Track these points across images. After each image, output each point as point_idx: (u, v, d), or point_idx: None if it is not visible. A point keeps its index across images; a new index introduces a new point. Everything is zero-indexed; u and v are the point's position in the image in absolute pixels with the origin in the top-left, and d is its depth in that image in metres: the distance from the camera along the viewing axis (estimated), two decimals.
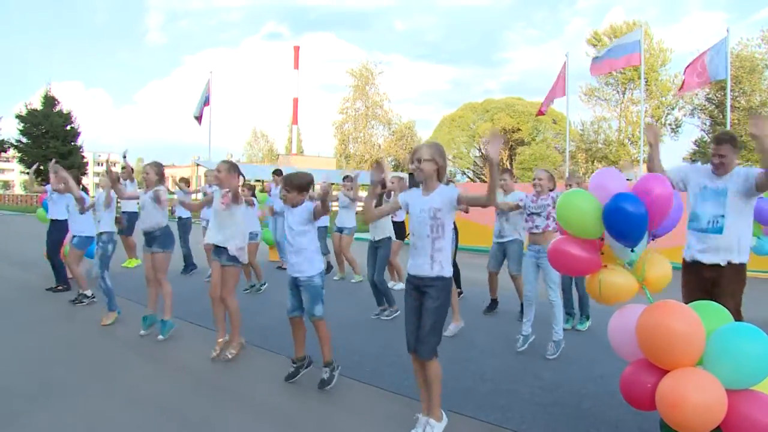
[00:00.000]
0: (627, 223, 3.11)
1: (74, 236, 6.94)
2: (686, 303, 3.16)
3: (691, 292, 3.94)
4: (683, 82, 17.18)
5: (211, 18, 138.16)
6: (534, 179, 5.42)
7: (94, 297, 7.03)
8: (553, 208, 5.16)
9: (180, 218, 9.85)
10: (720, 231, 3.81)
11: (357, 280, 9.04)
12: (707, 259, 3.86)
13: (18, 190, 78.62)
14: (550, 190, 5.39)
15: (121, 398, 4.00)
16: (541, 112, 21.25)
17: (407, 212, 3.47)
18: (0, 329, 5.92)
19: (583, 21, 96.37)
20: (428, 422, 3.40)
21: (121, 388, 4.21)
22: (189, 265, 9.69)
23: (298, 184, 4.27)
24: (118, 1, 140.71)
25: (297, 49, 63.57)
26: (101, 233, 6.20)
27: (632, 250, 3.25)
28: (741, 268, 3.85)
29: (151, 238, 5.65)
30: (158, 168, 5.74)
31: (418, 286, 3.41)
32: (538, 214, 5.32)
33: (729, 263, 3.82)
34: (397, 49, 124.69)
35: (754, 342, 2.66)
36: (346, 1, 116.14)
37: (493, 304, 7.13)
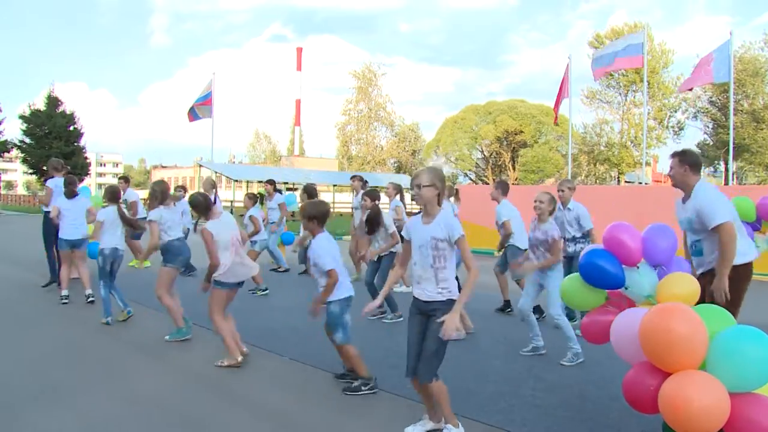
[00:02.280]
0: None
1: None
2: None
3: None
4: (685, 82, 17.24)
5: (217, 20, 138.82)
6: (535, 202, 5.11)
7: (66, 298, 7.03)
8: (558, 238, 5.02)
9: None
10: (701, 253, 4.06)
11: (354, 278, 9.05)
12: (700, 271, 4.09)
13: (21, 190, 78.83)
14: (550, 214, 5.14)
15: (122, 398, 4.00)
16: (556, 118, 21.30)
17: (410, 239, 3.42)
18: (1, 328, 5.93)
19: (586, 24, 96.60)
20: (446, 427, 3.38)
21: (122, 388, 4.22)
22: (186, 267, 9.77)
23: (315, 215, 4.16)
24: (124, 4, 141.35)
25: (300, 50, 63.76)
26: (102, 249, 6.07)
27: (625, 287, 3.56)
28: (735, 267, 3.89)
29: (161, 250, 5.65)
30: (157, 186, 5.73)
31: (424, 311, 3.37)
32: (539, 246, 5.10)
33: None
34: (401, 52, 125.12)
35: (757, 345, 2.65)
36: (350, 3, 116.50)
37: (506, 304, 7.19)
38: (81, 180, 36.67)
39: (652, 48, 37.44)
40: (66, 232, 6.98)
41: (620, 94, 41.09)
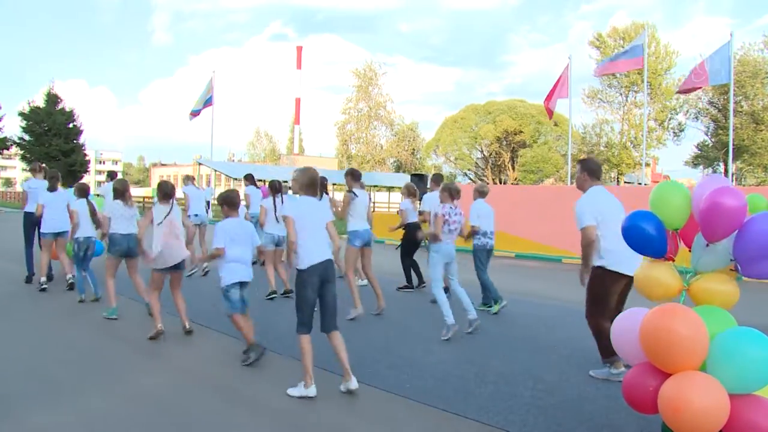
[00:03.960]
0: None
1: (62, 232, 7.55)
2: None
3: None
4: (683, 83, 17.22)
5: (219, 19, 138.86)
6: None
7: (44, 285, 7.63)
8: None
9: None
10: None
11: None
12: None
13: (20, 188, 78.68)
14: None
15: (121, 396, 4.00)
16: (550, 114, 20.99)
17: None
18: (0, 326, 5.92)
19: (586, 25, 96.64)
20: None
21: (120, 386, 4.21)
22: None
23: (222, 202, 4.99)
24: (126, 2, 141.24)
25: (300, 49, 63.66)
26: (77, 237, 6.91)
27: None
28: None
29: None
30: (118, 184, 6.35)
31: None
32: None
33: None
34: (402, 52, 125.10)
35: (758, 347, 2.65)
36: (351, 3, 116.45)
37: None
38: (80, 177, 36.85)
39: (657, 50, 37.45)
40: (48, 225, 7.58)
41: (621, 94, 41.08)
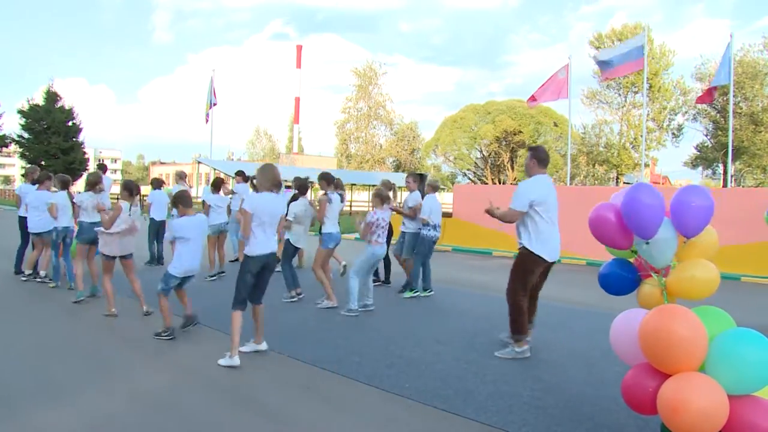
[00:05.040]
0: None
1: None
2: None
3: None
4: (703, 93, 17.39)
5: (219, 18, 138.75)
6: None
7: (26, 277, 8.25)
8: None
9: (153, 219, 10.00)
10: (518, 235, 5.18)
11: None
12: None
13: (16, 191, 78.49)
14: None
15: (121, 395, 4.00)
16: (532, 101, 19.96)
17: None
18: None
19: (586, 26, 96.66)
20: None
21: (120, 384, 4.21)
22: (155, 260, 10.05)
23: (174, 200, 5.54)
24: (127, 1, 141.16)
25: (299, 48, 63.54)
26: (56, 227, 7.43)
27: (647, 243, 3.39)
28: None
29: None
30: (91, 176, 7.00)
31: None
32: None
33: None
34: (402, 51, 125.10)
35: (756, 348, 2.66)
36: (352, 3, 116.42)
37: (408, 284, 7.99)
38: (79, 175, 36.83)
39: (652, 50, 37.46)
40: (35, 225, 8.02)
41: (620, 95, 41.11)
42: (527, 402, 4.04)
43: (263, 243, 4.79)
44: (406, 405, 3.95)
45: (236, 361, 4.64)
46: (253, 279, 4.83)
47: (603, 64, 17.70)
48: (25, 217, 8.36)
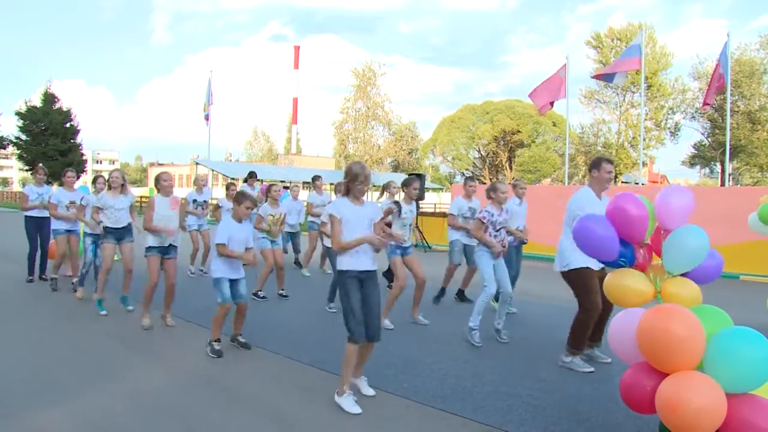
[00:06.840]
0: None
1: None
2: None
3: None
4: (706, 94, 17.37)
5: (218, 19, 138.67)
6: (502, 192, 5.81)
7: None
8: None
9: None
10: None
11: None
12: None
13: (17, 187, 78.46)
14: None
15: (119, 395, 3.99)
16: (542, 108, 20.13)
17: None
18: None
19: (584, 26, 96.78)
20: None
21: (118, 385, 4.20)
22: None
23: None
24: (126, 2, 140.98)
25: (297, 49, 63.59)
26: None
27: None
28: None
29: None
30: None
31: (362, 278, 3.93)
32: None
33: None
34: (401, 52, 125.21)
35: (754, 346, 2.66)
36: (351, 4, 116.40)
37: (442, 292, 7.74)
38: (77, 177, 36.79)
39: (654, 50, 37.50)
40: (56, 223, 7.90)
41: (618, 94, 41.13)
42: (525, 402, 4.04)
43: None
44: (404, 404, 3.95)
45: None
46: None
47: (604, 77, 17.78)
48: (33, 218, 8.14)
